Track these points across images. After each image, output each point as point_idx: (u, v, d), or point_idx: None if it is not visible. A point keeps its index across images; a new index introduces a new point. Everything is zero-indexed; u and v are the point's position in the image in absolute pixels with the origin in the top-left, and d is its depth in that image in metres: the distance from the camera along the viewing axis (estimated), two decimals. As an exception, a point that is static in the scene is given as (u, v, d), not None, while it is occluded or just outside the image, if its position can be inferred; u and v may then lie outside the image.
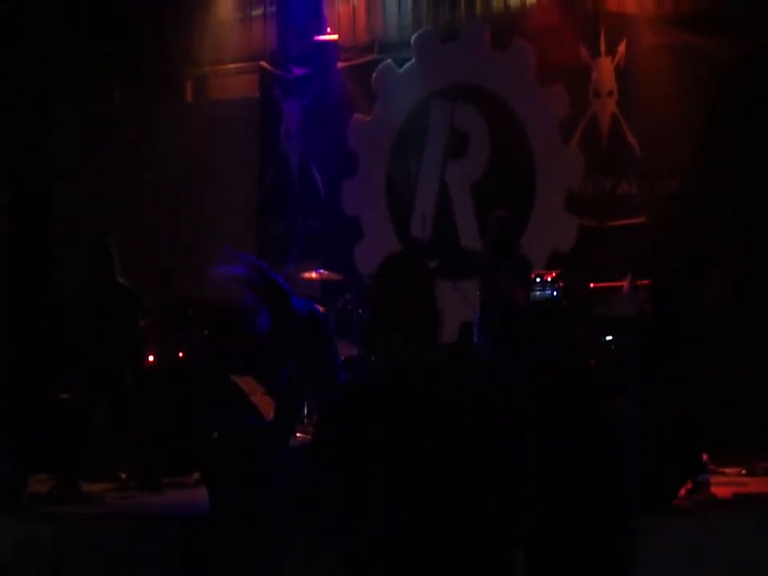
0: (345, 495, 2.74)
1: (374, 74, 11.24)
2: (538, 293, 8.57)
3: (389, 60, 11.24)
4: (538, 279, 8.72)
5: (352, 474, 2.75)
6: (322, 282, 9.68)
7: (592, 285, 9.37)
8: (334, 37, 11.34)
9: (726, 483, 7.53)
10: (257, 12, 11.86)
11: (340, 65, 11.35)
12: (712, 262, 7.96)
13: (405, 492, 2.71)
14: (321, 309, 9.01)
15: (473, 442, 2.78)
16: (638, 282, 8.01)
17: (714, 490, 6.96)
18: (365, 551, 2.71)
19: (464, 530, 2.72)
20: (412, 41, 11.17)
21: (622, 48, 10.63)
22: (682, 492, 6.79)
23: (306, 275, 9.42)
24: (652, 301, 7.93)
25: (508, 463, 2.80)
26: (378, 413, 2.79)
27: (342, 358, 8.85)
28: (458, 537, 2.71)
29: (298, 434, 8.44)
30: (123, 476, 8.71)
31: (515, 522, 2.80)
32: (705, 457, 8.00)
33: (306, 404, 8.50)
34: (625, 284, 8.22)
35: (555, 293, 8.97)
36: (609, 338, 8.62)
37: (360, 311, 9.21)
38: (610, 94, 10.61)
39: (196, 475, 8.65)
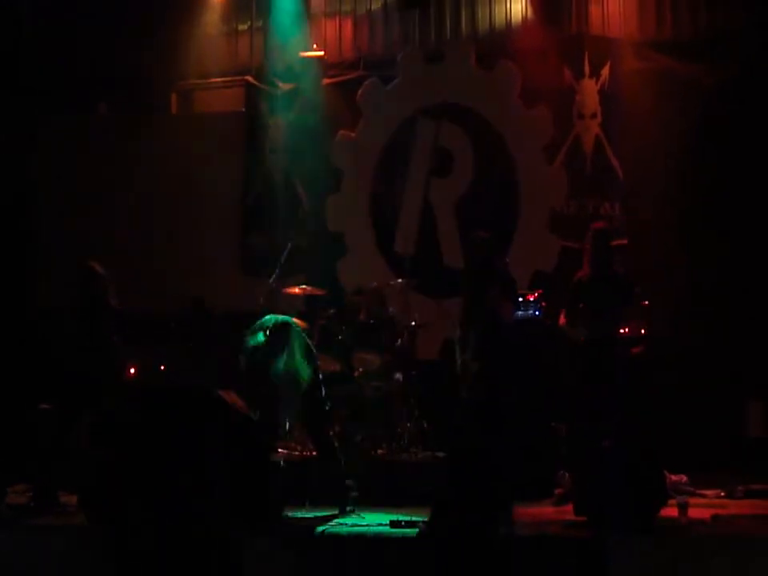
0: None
1: (359, 91, 11.26)
2: (520, 312, 8.62)
3: (375, 77, 11.26)
4: (521, 299, 8.77)
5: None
6: (306, 298, 9.69)
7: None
8: (321, 53, 11.37)
9: (705, 505, 7.59)
10: (243, 26, 11.85)
11: (326, 81, 11.36)
12: (637, 290, 8.14)
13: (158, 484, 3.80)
14: (303, 324, 9.03)
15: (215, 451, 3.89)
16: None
17: (693, 511, 7.00)
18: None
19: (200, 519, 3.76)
20: (398, 59, 11.22)
21: (605, 71, 10.73)
22: (662, 513, 6.83)
23: (290, 290, 9.42)
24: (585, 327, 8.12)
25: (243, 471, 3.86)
26: (143, 422, 3.89)
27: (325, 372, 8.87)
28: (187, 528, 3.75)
29: (279, 450, 8.46)
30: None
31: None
32: (684, 479, 8.10)
33: (287, 420, 8.49)
34: (561, 314, 8.37)
35: (538, 312, 9.03)
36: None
37: (343, 327, 9.23)
38: (594, 116, 10.69)
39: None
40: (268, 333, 7.69)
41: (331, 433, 8.04)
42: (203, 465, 3.55)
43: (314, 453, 8.32)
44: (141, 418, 3.62)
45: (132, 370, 9.27)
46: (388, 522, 6.87)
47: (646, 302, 8.31)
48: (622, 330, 8.06)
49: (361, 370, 9.10)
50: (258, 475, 3.65)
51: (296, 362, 7.68)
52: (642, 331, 8.32)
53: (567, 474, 7.98)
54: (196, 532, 3.57)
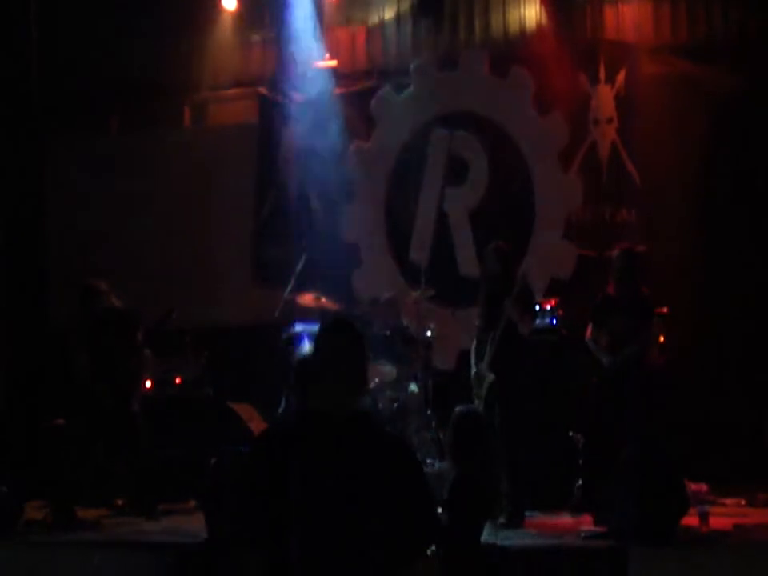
0: (266, 514, 3.42)
1: (372, 101, 11.21)
2: (537, 321, 8.56)
3: (388, 87, 11.21)
4: (537, 307, 8.71)
5: (271, 496, 3.41)
6: (320, 309, 9.65)
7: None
8: (333, 63, 11.34)
9: (726, 514, 7.52)
10: (256, 38, 11.85)
11: (339, 91, 11.32)
12: (656, 316, 8.08)
13: (310, 512, 3.37)
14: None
15: (361, 475, 3.44)
16: None
17: (714, 521, 6.93)
18: (283, 560, 3.36)
19: (360, 546, 3.38)
20: (411, 68, 11.16)
21: (621, 76, 10.66)
22: (683, 523, 6.75)
23: (305, 302, 9.39)
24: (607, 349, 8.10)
25: (394, 491, 3.44)
26: (289, 449, 3.45)
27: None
28: (354, 550, 3.38)
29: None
30: (120, 502, 8.67)
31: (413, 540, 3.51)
32: (704, 488, 8.03)
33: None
34: (588, 328, 8.31)
35: (555, 321, 8.97)
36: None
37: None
38: (610, 121, 10.62)
39: (193, 502, 8.62)
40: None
41: None
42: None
43: None
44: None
45: (148, 384, 9.25)
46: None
47: (665, 309, 8.25)
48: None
49: (376, 381, 9.05)
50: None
51: None
52: (661, 339, 8.26)
53: (579, 483, 7.95)
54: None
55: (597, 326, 8.26)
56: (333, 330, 3.71)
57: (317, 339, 3.73)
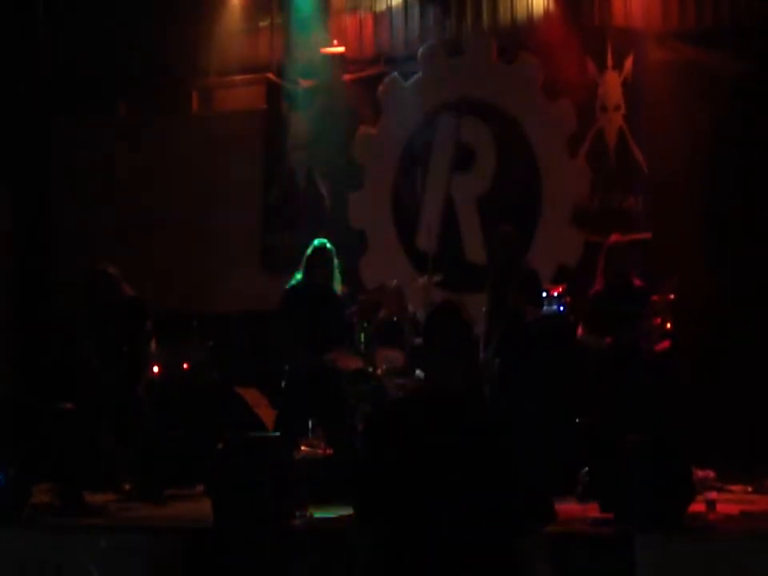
0: (383, 488, 3.48)
1: (380, 87, 11.23)
2: (544, 307, 8.56)
3: (395, 73, 11.23)
4: (545, 294, 8.70)
5: (388, 471, 3.49)
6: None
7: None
8: (341, 49, 11.34)
9: (733, 501, 7.50)
10: (264, 23, 11.85)
11: (346, 77, 11.34)
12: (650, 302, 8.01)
13: (426, 489, 3.43)
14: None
15: (475, 452, 3.48)
16: None
17: (720, 507, 6.92)
18: (395, 535, 3.44)
19: (469, 521, 3.40)
20: (419, 54, 11.18)
21: (628, 63, 10.65)
22: (690, 510, 6.75)
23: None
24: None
25: (504, 471, 3.48)
26: (407, 425, 3.55)
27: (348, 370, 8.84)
28: (464, 526, 3.40)
29: (302, 447, 8.44)
30: (127, 487, 8.69)
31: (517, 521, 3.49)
32: (711, 474, 8.02)
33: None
34: (579, 327, 8.27)
35: (562, 308, 8.96)
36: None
37: (365, 324, 9.21)
38: (617, 108, 10.60)
39: (200, 487, 8.64)
40: None
41: (352, 430, 7.98)
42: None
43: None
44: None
45: (155, 369, 9.26)
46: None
47: (672, 296, 8.21)
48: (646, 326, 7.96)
49: (384, 367, 9.06)
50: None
51: None
52: (668, 326, 8.23)
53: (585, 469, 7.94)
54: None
55: (589, 322, 8.15)
56: (442, 312, 3.81)
57: (427, 322, 3.84)
